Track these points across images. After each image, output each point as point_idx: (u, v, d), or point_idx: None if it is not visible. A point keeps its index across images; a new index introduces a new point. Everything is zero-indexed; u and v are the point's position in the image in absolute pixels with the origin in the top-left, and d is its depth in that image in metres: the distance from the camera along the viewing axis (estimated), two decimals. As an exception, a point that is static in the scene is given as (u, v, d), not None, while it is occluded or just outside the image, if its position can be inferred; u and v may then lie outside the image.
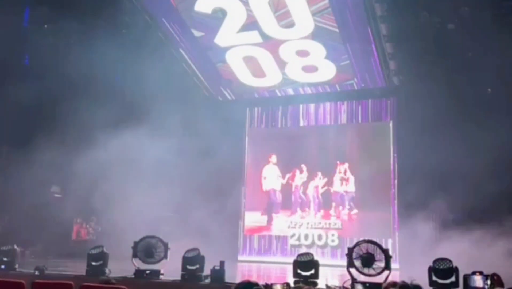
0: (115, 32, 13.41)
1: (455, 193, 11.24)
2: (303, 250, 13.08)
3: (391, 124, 14.28)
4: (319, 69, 13.72)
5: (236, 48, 13.61)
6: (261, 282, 3.48)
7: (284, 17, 12.45)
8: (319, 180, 14.65)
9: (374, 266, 7.43)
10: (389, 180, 13.97)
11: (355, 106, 14.80)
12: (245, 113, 15.97)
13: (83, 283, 5.65)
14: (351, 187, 14.34)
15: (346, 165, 14.42)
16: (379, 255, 7.48)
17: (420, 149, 12.19)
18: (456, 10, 11.32)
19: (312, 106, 15.30)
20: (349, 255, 7.58)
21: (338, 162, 14.49)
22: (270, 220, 14.96)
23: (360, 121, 14.68)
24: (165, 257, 8.66)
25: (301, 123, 15.40)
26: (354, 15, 12.01)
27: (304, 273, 7.84)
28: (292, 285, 6.79)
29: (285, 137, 15.43)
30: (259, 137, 15.85)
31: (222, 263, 8.06)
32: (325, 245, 14.16)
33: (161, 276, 8.46)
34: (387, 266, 7.41)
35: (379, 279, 7.30)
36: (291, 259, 8.24)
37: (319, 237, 14.29)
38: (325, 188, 14.52)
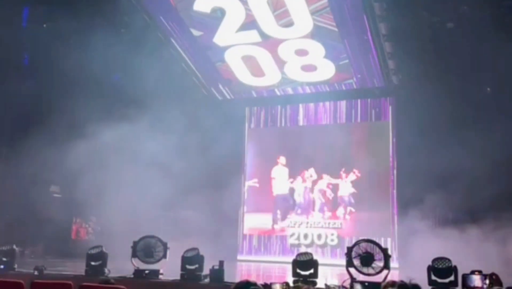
0: (114, 31, 13.39)
1: (454, 192, 11.24)
2: (303, 249, 13.11)
3: (390, 124, 14.29)
4: (318, 69, 13.73)
5: (235, 48, 13.61)
6: (260, 282, 3.49)
7: (283, 16, 12.46)
8: (324, 181, 14.64)
9: (373, 265, 7.43)
10: (388, 179, 13.98)
11: (355, 106, 14.80)
12: (244, 113, 15.98)
13: (82, 283, 5.64)
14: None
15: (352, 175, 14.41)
16: (378, 255, 7.48)
17: (419, 148, 12.20)
18: (455, 10, 11.32)
19: (311, 105, 15.31)
20: (348, 255, 7.58)
21: (343, 169, 14.46)
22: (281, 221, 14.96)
23: (359, 120, 14.69)
24: (165, 256, 8.66)
25: (301, 123, 15.41)
26: (353, 14, 12.01)
27: (303, 273, 7.84)
28: (291, 284, 6.78)
29: (284, 136, 15.43)
30: (258, 137, 15.85)
31: (221, 263, 8.05)
32: (324, 245, 14.17)
33: (160, 276, 8.46)
34: (386, 266, 7.41)
35: (378, 278, 7.30)
36: (291, 259, 8.24)
37: (319, 237, 14.30)
38: (330, 190, 14.51)
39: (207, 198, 13.21)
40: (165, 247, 8.69)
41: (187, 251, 8.48)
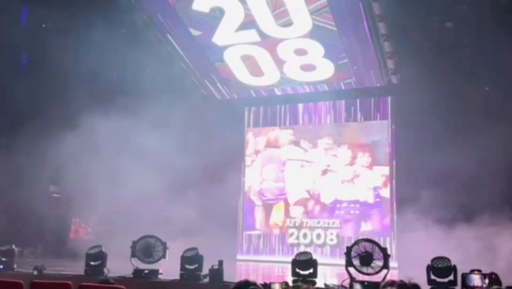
0: (113, 31, 13.40)
1: (454, 191, 11.24)
2: (302, 249, 13.11)
3: (389, 123, 14.28)
4: (317, 68, 13.72)
5: (234, 47, 13.60)
6: (260, 282, 3.48)
7: (282, 16, 12.46)
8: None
9: (372, 265, 7.42)
10: (387, 179, 13.99)
11: (354, 105, 14.78)
12: (244, 112, 15.97)
13: (82, 283, 5.63)
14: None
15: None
16: (377, 254, 7.48)
17: (418, 148, 12.20)
18: (454, 9, 11.32)
19: (311, 105, 15.28)
20: (348, 254, 7.58)
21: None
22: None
23: (358, 120, 14.67)
24: (164, 256, 8.65)
25: (300, 122, 15.39)
26: (352, 14, 12.00)
27: (302, 272, 7.84)
28: (290, 284, 6.78)
29: (284, 136, 15.43)
30: (257, 136, 15.82)
31: (220, 263, 8.05)
32: (324, 244, 14.17)
33: (159, 276, 8.45)
34: (386, 265, 7.40)
35: (378, 278, 7.30)
36: (290, 258, 8.24)
37: (318, 236, 14.30)
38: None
39: (207, 198, 13.20)
40: (164, 246, 8.69)
41: (186, 250, 8.48)
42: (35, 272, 8.43)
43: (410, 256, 10.80)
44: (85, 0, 12.99)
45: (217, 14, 12.75)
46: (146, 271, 8.46)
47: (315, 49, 13.07)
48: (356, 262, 7.49)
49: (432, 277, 7.30)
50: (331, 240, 14.12)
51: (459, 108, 12.12)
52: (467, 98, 12.18)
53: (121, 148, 11.95)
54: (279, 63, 13.76)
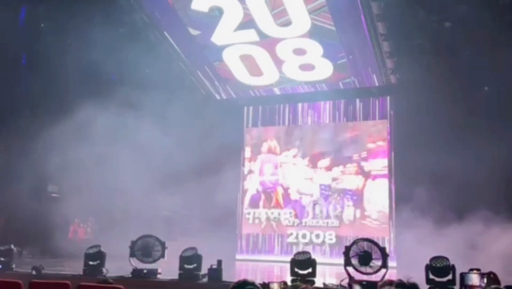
0: (112, 31, 13.38)
1: (453, 191, 11.26)
2: (301, 248, 13.12)
3: (388, 123, 14.30)
4: (316, 68, 13.73)
5: (233, 47, 13.60)
6: (259, 281, 3.49)
7: (281, 16, 12.45)
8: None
9: (371, 264, 7.43)
10: (386, 178, 14.01)
11: (353, 105, 14.80)
12: (243, 112, 15.97)
13: (80, 282, 5.63)
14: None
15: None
16: (376, 254, 7.48)
17: (417, 147, 12.20)
18: (453, 9, 11.32)
19: (310, 105, 15.29)
20: (347, 254, 7.58)
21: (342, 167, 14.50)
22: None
23: (357, 119, 14.69)
24: (163, 256, 8.65)
25: (299, 122, 15.41)
26: (351, 14, 12.00)
27: (301, 272, 7.84)
28: (289, 283, 6.78)
29: (283, 136, 15.45)
30: (256, 136, 15.84)
31: (219, 262, 8.05)
32: (322, 244, 14.18)
33: (158, 276, 8.45)
34: (384, 265, 7.41)
35: (376, 277, 7.31)
36: (289, 258, 8.24)
37: (317, 236, 14.31)
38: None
39: (206, 197, 13.21)
40: (163, 246, 8.68)
41: (185, 250, 8.47)
42: (34, 272, 8.42)
43: (408, 256, 10.82)
44: (82, 0, 12.96)
45: (216, 13, 12.74)
46: (145, 271, 8.46)
47: (314, 49, 13.09)
48: (354, 261, 7.50)
49: (431, 276, 7.31)
50: (330, 239, 14.14)
51: (458, 108, 12.12)
52: (465, 98, 12.20)
53: (120, 148, 11.93)
54: (278, 63, 13.77)
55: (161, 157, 12.69)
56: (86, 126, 12.05)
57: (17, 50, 13.72)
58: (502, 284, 6.17)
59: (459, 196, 10.99)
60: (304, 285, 4.71)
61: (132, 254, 8.68)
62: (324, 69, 13.73)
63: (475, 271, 6.94)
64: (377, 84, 14.12)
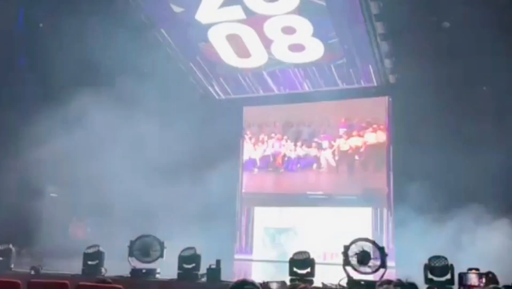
0: (111, 30, 13.38)
1: (452, 191, 11.27)
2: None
3: (386, 123, 14.31)
4: (306, 48, 13.28)
5: (218, 26, 13.10)
6: (258, 281, 3.49)
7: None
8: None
9: (369, 264, 7.44)
10: (385, 178, 14.02)
11: (352, 105, 14.80)
12: (242, 112, 15.98)
13: (79, 282, 5.63)
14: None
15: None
16: (375, 253, 7.49)
17: (416, 147, 12.22)
18: (452, 8, 11.33)
19: (308, 104, 15.29)
20: (345, 253, 7.59)
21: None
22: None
23: (356, 119, 14.68)
24: (161, 256, 8.65)
25: (298, 123, 15.39)
26: (349, 14, 12.01)
27: (300, 272, 7.85)
28: (288, 283, 6.79)
29: (281, 135, 15.47)
30: (255, 136, 15.84)
31: (218, 262, 8.06)
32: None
33: (157, 275, 8.45)
34: (383, 264, 7.42)
35: (375, 277, 7.32)
36: (287, 257, 8.24)
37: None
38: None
39: (205, 197, 13.21)
40: (162, 246, 8.68)
41: (184, 250, 8.48)
42: (33, 272, 8.41)
43: (407, 255, 10.83)
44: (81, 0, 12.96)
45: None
46: (143, 271, 8.46)
47: (304, 27, 12.57)
48: (353, 261, 7.50)
49: (429, 276, 7.32)
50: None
51: (457, 108, 12.14)
52: (464, 98, 12.22)
53: (118, 147, 11.94)
54: (267, 42, 13.27)
55: (159, 156, 12.69)
56: (84, 126, 12.05)
57: (16, 51, 13.73)
58: (501, 284, 6.19)
59: (458, 196, 11.00)
60: (302, 285, 4.72)
61: (131, 254, 8.68)
62: (314, 50, 13.25)
63: (473, 271, 6.96)
64: (375, 84, 14.12)
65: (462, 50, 11.96)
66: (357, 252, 7.50)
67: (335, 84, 14.45)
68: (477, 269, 6.96)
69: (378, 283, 3.61)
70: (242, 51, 13.75)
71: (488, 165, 10.70)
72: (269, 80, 14.90)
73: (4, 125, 12.69)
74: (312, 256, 8.02)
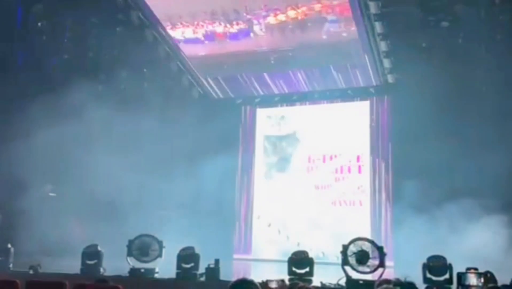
0: (109, 29, 13.40)
1: (451, 190, 11.27)
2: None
3: (385, 122, 14.32)
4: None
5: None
6: (257, 280, 3.49)
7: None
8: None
9: (368, 263, 7.45)
10: (383, 177, 14.04)
11: (350, 105, 14.82)
12: (241, 111, 15.98)
13: (78, 282, 5.63)
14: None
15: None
16: (373, 253, 7.50)
17: (414, 146, 12.23)
18: (450, 8, 11.35)
19: (307, 105, 15.30)
20: (344, 253, 7.60)
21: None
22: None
23: (355, 119, 14.68)
24: (160, 255, 8.65)
25: (297, 122, 15.40)
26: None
27: (299, 271, 7.86)
28: (287, 282, 6.79)
29: (280, 136, 15.47)
30: (254, 135, 15.84)
31: (217, 261, 8.06)
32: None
33: (156, 275, 8.45)
34: (382, 264, 7.43)
35: (374, 276, 7.32)
36: (286, 257, 8.25)
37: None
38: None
39: (203, 197, 13.21)
40: (160, 245, 8.69)
41: (182, 249, 8.48)
42: (31, 271, 8.41)
43: (406, 255, 10.84)
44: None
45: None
46: (142, 270, 8.46)
47: None
48: (352, 260, 7.51)
49: (428, 275, 7.33)
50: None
51: (455, 108, 12.15)
52: (463, 98, 12.22)
53: (117, 147, 11.93)
54: None
55: (157, 156, 12.69)
56: (82, 125, 12.04)
57: (14, 49, 13.70)
58: (499, 283, 6.20)
59: (457, 195, 11.00)
60: (301, 284, 4.73)
61: (130, 253, 8.68)
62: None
63: (472, 271, 6.96)
64: (374, 84, 14.14)
65: (461, 50, 11.98)
66: (356, 251, 7.51)
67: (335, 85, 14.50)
68: (475, 269, 6.96)
69: (377, 283, 3.62)
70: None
71: (488, 163, 10.71)
72: (270, 82, 14.96)
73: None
74: (310, 255, 8.04)
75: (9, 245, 9.30)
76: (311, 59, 13.57)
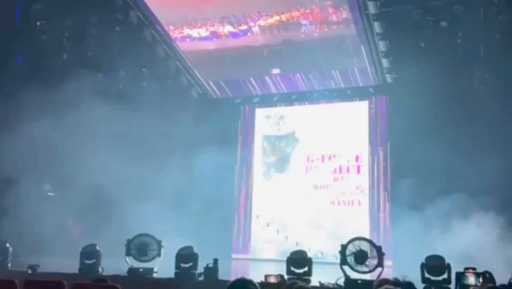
0: (108, 29, 13.39)
1: (450, 190, 11.28)
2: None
3: (384, 122, 14.33)
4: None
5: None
6: (256, 280, 3.48)
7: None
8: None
9: (367, 263, 7.46)
10: (382, 177, 14.04)
11: (349, 105, 14.82)
12: (239, 111, 15.98)
13: (76, 281, 5.61)
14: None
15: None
16: (372, 252, 7.51)
17: (413, 146, 12.24)
18: (449, 8, 11.35)
19: (306, 105, 15.29)
20: (342, 252, 7.60)
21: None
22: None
23: (354, 119, 14.69)
24: (159, 255, 8.65)
25: (296, 122, 15.40)
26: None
27: (297, 271, 7.86)
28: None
29: (279, 135, 15.47)
30: (253, 135, 15.84)
31: (215, 261, 8.06)
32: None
33: (154, 274, 8.45)
34: (380, 263, 7.43)
35: (372, 276, 7.33)
36: (285, 257, 8.25)
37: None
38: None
39: (202, 197, 13.21)
40: (159, 245, 8.69)
41: (181, 249, 8.48)
42: (29, 271, 8.40)
43: (404, 255, 10.86)
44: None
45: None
46: (141, 270, 8.47)
47: None
48: (350, 260, 7.52)
49: (426, 275, 7.34)
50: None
51: (454, 108, 12.17)
52: (461, 98, 12.24)
53: (115, 146, 11.92)
54: None
55: (156, 156, 12.69)
56: (81, 124, 12.04)
57: (13, 49, 13.70)
58: (498, 283, 6.20)
59: (456, 195, 11.01)
60: (300, 283, 4.73)
61: (128, 253, 8.67)
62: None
63: (470, 270, 6.96)
64: (373, 83, 14.14)
65: (460, 50, 11.99)
66: (354, 251, 7.52)
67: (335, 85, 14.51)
68: (474, 269, 6.97)
69: (375, 283, 3.62)
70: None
71: (486, 163, 10.73)
72: (269, 82, 14.95)
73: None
74: (309, 255, 8.04)
75: (7, 245, 9.28)
76: (311, 60, 13.61)
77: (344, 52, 13.14)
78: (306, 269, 7.86)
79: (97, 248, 8.77)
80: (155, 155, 12.75)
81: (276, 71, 14.39)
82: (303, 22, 12.68)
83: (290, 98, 15.34)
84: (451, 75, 12.32)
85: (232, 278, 3.59)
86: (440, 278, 7.27)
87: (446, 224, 11.05)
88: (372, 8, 11.62)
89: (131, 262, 8.60)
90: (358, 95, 14.70)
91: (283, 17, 12.68)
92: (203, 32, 13.56)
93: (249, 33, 13.25)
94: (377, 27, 12.05)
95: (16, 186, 12.07)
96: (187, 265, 8.29)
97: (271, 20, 12.84)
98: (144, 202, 12.49)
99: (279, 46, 13.38)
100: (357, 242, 7.59)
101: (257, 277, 5.74)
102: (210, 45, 13.81)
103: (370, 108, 14.57)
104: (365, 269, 7.46)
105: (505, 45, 11.10)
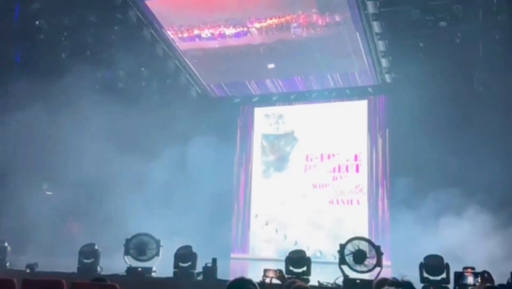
0: (107, 28, 13.38)
1: (449, 189, 11.29)
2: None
3: (383, 122, 14.34)
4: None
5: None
6: (255, 279, 3.47)
7: None
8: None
9: (365, 262, 7.44)
10: (381, 177, 14.05)
11: (348, 104, 14.83)
12: (239, 111, 15.97)
13: (74, 280, 5.60)
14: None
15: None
16: (370, 252, 7.50)
17: (412, 146, 12.26)
18: (448, 8, 11.35)
19: (305, 104, 15.29)
20: (341, 252, 7.59)
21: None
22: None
23: (353, 118, 14.69)
24: (157, 254, 8.64)
25: (295, 121, 15.40)
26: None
27: (296, 270, 7.85)
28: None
29: (278, 134, 15.46)
30: (252, 135, 15.84)
31: (214, 260, 8.05)
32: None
33: (153, 274, 8.43)
34: (379, 263, 7.43)
35: (371, 276, 7.33)
36: (284, 256, 8.24)
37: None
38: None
39: (201, 196, 13.20)
40: (158, 244, 8.67)
41: (180, 248, 8.47)
42: (28, 270, 8.38)
43: (403, 254, 10.85)
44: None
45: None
46: (139, 269, 8.44)
47: None
48: (349, 260, 7.51)
49: (425, 275, 7.33)
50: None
51: (453, 107, 12.17)
52: (460, 98, 12.25)
53: (115, 146, 11.91)
54: None
55: (155, 156, 12.68)
56: (79, 124, 12.03)
57: (12, 47, 13.68)
58: (496, 283, 6.21)
59: (456, 195, 11.02)
60: (298, 282, 4.73)
61: (127, 252, 8.66)
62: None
63: (469, 270, 6.97)
64: (372, 83, 14.15)
65: (459, 50, 12.00)
66: (353, 250, 7.51)
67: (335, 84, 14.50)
68: (472, 268, 6.97)
69: (374, 282, 3.61)
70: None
71: (486, 162, 10.75)
72: (268, 82, 14.95)
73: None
74: (307, 254, 8.04)
75: (5, 244, 9.27)
76: (310, 60, 13.61)
77: (343, 52, 13.15)
78: (305, 268, 7.85)
79: (96, 247, 8.76)
80: (153, 154, 12.74)
81: (271, 66, 14.36)
82: (296, 24, 12.96)
83: (289, 98, 15.35)
84: (450, 74, 12.33)
85: (231, 278, 3.58)
86: (439, 277, 7.26)
87: (446, 224, 11.05)
88: (371, 8, 11.62)
89: (130, 261, 8.59)
90: (357, 95, 14.71)
91: (282, 20, 12.93)
92: (203, 33, 13.66)
93: (248, 34, 13.34)
94: (376, 27, 12.06)
95: (15, 185, 12.06)
96: (185, 265, 8.28)
97: (269, 22, 13.10)
98: (144, 202, 12.51)
99: (274, 44, 13.51)
100: (356, 242, 7.58)
101: (256, 276, 5.73)
102: (210, 45, 13.86)
103: (369, 108, 14.58)
104: (363, 268, 7.45)
105: (504, 45, 11.11)
